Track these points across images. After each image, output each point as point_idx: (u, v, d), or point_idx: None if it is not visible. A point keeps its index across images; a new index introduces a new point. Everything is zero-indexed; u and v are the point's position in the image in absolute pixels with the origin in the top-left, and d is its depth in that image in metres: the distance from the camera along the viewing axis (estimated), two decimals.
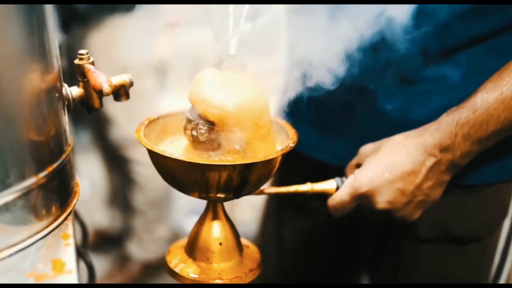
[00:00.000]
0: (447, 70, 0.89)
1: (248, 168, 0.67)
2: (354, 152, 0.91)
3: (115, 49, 1.68)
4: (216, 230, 0.76)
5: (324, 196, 0.87)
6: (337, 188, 0.85)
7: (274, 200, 1.19)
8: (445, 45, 0.87)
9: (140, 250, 2.05)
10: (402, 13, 0.83)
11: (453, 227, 0.97)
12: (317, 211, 1.10)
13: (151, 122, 0.76)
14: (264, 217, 1.26)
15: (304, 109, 1.01)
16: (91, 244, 1.68)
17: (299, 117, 0.99)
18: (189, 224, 2.25)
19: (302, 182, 0.86)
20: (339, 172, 0.91)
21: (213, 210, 0.77)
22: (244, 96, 0.70)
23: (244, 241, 0.82)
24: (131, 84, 0.70)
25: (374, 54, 0.90)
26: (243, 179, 0.67)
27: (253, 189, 0.73)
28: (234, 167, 0.66)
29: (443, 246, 0.99)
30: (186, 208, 2.25)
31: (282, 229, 1.18)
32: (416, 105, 0.91)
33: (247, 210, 1.94)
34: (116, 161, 1.98)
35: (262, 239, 1.25)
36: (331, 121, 1.00)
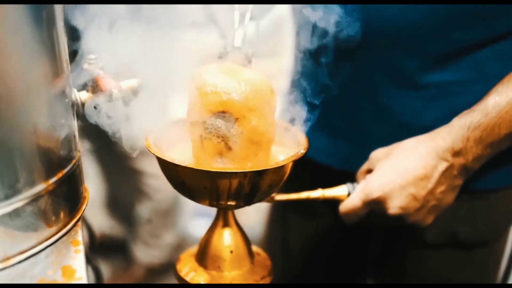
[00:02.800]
0: (453, 75, 0.89)
1: (259, 175, 0.66)
2: (360, 157, 0.90)
3: (121, 54, 1.67)
4: (227, 238, 0.76)
5: (332, 201, 0.87)
6: (349, 194, 0.85)
7: (280, 204, 1.19)
8: (450, 50, 0.87)
9: (145, 256, 2.05)
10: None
11: (460, 232, 0.97)
12: (323, 214, 1.10)
13: (160, 129, 0.76)
14: (270, 221, 1.26)
15: (310, 113, 1.01)
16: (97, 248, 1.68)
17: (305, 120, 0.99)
18: (195, 227, 2.25)
19: (308, 186, 0.85)
20: (345, 176, 0.90)
21: (224, 218, 0.77)
22: (251, 81, 0.68)
23: (255, 248, 0.82)
24: (140, 88, 0.70)
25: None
26: (254, 186, 0.67)
27: (264, 196, 0.73)
28: (245, 174, 0.65)
29: (450, 251, 0.99)
30: (192, 210, 2.25)
31: (287, 232, 1.18)
32: (423, 110, 0.91)
33: (252, 213, 1.93)
34: (122, 169, 1.97)
35: (268, 243, 1.25)
36: (337, 125, 1.00)
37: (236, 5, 0.79)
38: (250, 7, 0.80)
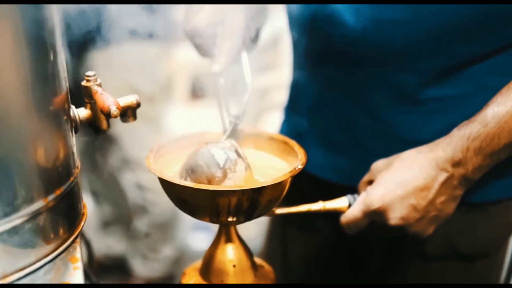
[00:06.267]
0: (452, 90, 0.89)
1: (257, 192, 0.67)
2: (359, 171, 0.90)
3: (119, 71, 1.68)
4: (229, 253, 0.76)
5: (331, 214, 0.87)
6: (349, 205, 0.85)
7: (279, 217, 1.19)
8: (449, 64, 0.87)
9: (144, 270, 2.04)
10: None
11: (460, 244, 0.97)
12: (322, 228, 1.09)
13: (160, 147, 0.76)
14: (269, 234, 1.26)
15: (308, 127, 1.01)
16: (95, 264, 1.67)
17: (304, 134, 0.99)
18: (193, 241, 2.25)
19: (308, 200, 0.85)
20: (345, 190, 0.90)
21: (226, 233, 0.77)
22: None
23: (258, 260, 0.82)
24: (138, 105, 0.70)
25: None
26: (253, 203, 0.68)
27: (264, 212, 0.73)
28: (243, 192, 0.66)
29: (450, 263, 0.99)
30: (190, 224, 2.25)
31: (287, 245, 1.18)
32: (422, 124, 0.91)
33: (252, 226, 1.93)
34: (119, 184, 1.97)
35: (268, 255, 1.25)
36: (336, 140, 1.00)
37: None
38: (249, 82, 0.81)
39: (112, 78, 1.67)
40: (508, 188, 0.94)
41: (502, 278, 1.23)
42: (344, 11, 0.87)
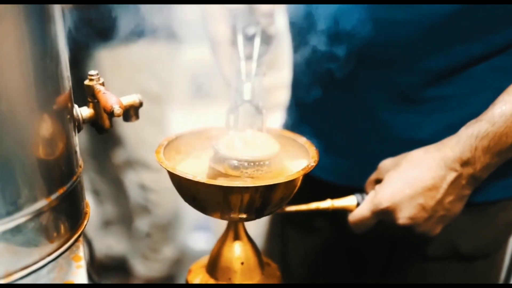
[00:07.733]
0: (452, 89, 0.89)
1: (270, 189, 0.67)
2: (360, 172, 0.91)
3: (126, 71, 1.68)
4: (237, 250, 0.76)
5: (334, 213, 0.87)
6: (358, 204, 0.85)
7: (279, 218, 1.19)
8: (449, 65, 0.87)
9: (145, 270, 2.04)
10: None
11: (460, 244, 0.97)
12: (322, 229, 1.10)
13: (170, 142, 0.76)
14: (269, 234, 1.26)
15: (308, 128, 1.01)
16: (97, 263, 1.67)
17: (304, 135, 0.99)
18: (194, 241, 2.25)
19: (307, 201, 0.86)
20: (343, 192, 0.90)
21: (234, 230, 0.77)
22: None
23: (265, 258, 0.82)
24: (140, 104, 0.70)
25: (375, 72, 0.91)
26: (265, 200, 0.68)
27: (275, 209, 0.73)
28: (256, 188, 0.66)
29: (450, 263, 0.99)
30: (191, 224, 2.25)
31: (286, 246, 1.18)
32: (422, 124, 0.92)
33: (251, 226, 1.93)
34: (121, 184, 1.97)
35: (267, 256, 1.25)
36: (336, 141, 1.00)
37: (242, 52, 0.80)
38: (256, 58, 0.80)
39: (118, 78, 1.68)
40: (508, 188, 0.95)
41: (502, 278, 1.23)
42: (344, 11, 0.87)
